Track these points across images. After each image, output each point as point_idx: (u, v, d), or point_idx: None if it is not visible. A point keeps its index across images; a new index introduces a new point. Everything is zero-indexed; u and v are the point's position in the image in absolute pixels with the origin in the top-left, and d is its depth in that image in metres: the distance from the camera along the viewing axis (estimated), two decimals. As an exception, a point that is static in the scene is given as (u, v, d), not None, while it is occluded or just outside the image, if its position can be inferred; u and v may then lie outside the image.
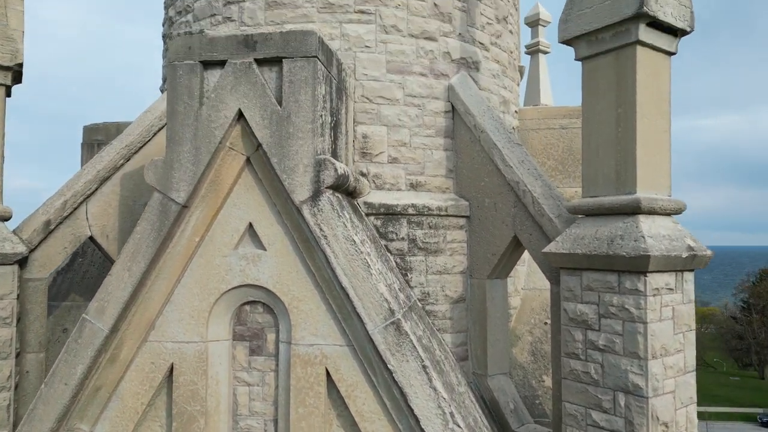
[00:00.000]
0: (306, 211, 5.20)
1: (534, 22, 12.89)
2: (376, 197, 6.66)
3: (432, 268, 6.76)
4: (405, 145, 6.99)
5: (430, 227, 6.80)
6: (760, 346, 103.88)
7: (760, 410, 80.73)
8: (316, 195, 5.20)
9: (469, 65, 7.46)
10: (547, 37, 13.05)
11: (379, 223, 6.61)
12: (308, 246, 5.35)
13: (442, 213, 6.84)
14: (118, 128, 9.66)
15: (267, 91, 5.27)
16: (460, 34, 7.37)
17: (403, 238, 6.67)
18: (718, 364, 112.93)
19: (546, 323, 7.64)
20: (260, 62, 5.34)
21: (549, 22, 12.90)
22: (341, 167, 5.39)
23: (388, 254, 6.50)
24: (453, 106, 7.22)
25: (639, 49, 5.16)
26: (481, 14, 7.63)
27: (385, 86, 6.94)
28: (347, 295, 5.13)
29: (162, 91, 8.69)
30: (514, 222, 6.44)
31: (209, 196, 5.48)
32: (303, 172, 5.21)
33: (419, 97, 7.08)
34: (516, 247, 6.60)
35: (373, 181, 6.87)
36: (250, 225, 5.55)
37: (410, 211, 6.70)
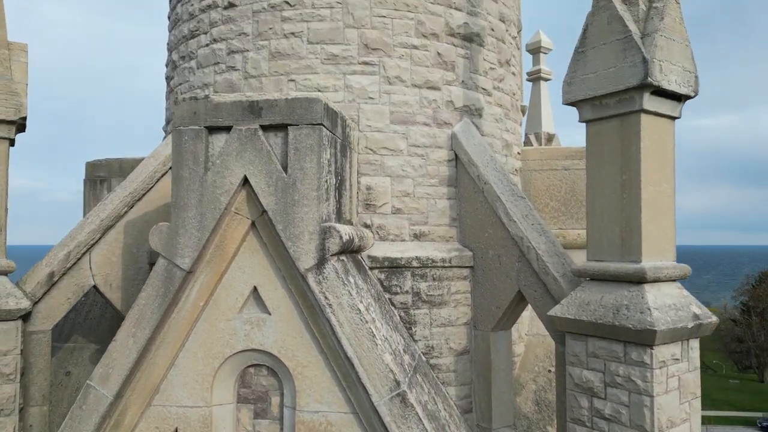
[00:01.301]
0: (311, 279, 5.20)
1: (535, 49, 12.90)
2: (380, 250, 6.66)
3: (436, 321, 6.76)
4: (409, 196, 6.99)
5: (434, 279, 6.79)
6: (760, 349, 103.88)
7: (759, 414, 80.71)
8: (321, 263, 5.20)
9: (472, 112, 7.45)
10: (549, 64, 13.05)
11: (383, 276, 6.61)
12: (313, 312, 5.35)
13: (446, 264, 6.83)
14: (120, 165, 9.66)
15: (272, 158, 5.27)
16: (463, 81, 7.37)
17: (407, 291, 6.67)
18: (718, 366, 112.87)
19: (550, 371, 7.63)
20: (266, 128, 5.33)
21: (550, 50, 12.91)
22: (346, 233, 5.39)
23: (393, 309, 6.50)
24: (456, 155, 7.21)
25: (643, 116, 5.16)
26: (484, 60, 7.63)
27: (389, 137, 6.93)
28: (352, 364, 5.12)
29: (165, 132, 8.69)
30: (518, 276, 6.44)
31: (214, 260, 5.48)
32: (308, 240, 5.20)
33: (423, 147, 7.07)
34: (520, 301, 6.59)
35: (377, 232, 6.87)
36: (255, 289, 5.54)
37: (414, 263, 6.69)
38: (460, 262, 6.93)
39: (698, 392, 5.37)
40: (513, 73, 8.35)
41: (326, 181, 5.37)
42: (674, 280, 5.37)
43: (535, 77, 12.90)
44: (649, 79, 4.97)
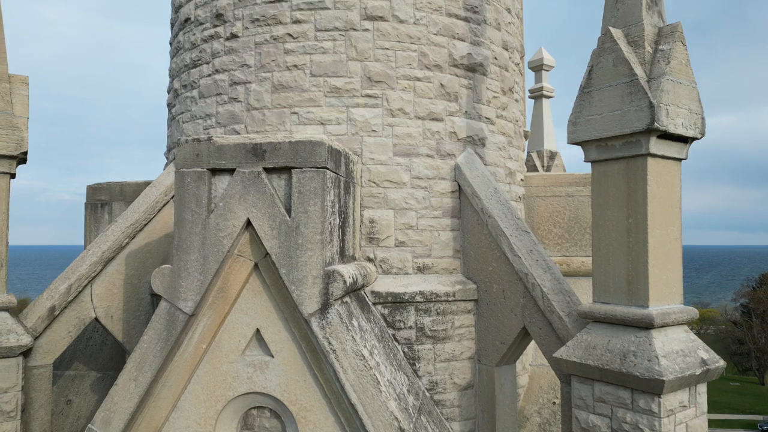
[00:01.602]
0: (314, 324, 5.15)
1: (538, 67, 12.87)
2: (384, 285, 6.61)
3: (440, 356, 6.72)
4: (412, 228, 6.95)
5: (438, 313, 6.75)
6: (761, 351, 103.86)
7: (760, 417, 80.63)
8: (324, 308, 5.15)
9: (475, 142, 7.41)
10: (551, 81, 13.01)
11: (386, 311, 6.56)
12: (316, 356, 5.30)
13: (450, 299, 6.79)
14: (121, 188, 9.61)
15: (276, 201, 5.22)
16: (466, 111, 7.32)
17: (410, 327, 6.62)
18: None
19: (554, 403, 7.59)
20: (269, 170, 5.29)
21: (552, 67, 12.87)
22: (350, 276, 5.35)
23: (397, 346, 6.45)
24: (460, 186, 7.17)
25: (650, 160, 5.11)
26: (487, 89, 7.59)
27: (392, 169, 6.89)
28: (356, 411, 5.07)
29: (166, 158, 8.65)
30: (523, 313, 6.39)
31: (217, 303, 5.43)
32: (312, 284, 5.16)
33: (426, 179, 7.03)
34: (525, 336, 6.55)
35: (380, 265, 6.82)
36: (258, 331, 5.50)
37: (418, 298, 6.65)
38: (464, 296, 6.88)
39: (705, 437, 5.32)
40: (516, 100, 8.31)
41: (330, 223, 5.33)
42: (682, 323, 5.33)
43: (537, 95, 12.86)
44: (655, 124, 4.92)
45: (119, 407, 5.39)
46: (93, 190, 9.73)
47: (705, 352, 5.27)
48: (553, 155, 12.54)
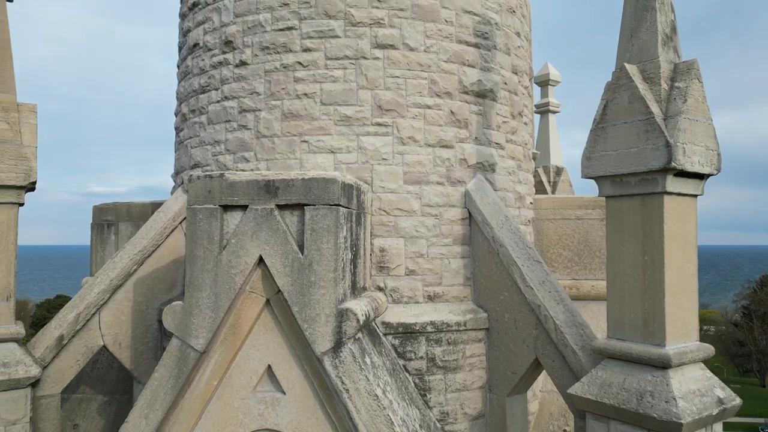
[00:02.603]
0: (327, 363, 5.11)
1: (544, 82, 12.83)
2: (394, 316, 6.57)
3: (451, 387, 6.67)
4: (422, 257, 6.91)
5: (449, 343, 6.71)
6: (761, 353, 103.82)
7: (761, 420, 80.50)
8: (337, 346, 5.11)
9: (485, 168, 7.37)
10: (557, 96, 12.96)
11: (397, 342, 6.52)
12: (329, 394, 5.26)
13: (461, 328, 6.75)
14: (128, 209, 9.58)
15: (288, 239, 5.18)
16: (476, 138, 7.29)
17: (421, 357, 6.58)
18: (719, 370, 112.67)
19: (565, 430, 7.54)
20: (282, 206, 5.25)
21: (559, 82, 12.84)
22: (363, 313, 5.31)
23: (408, 378, 6.41)
24: (470, 213, 7.13)
25: (666, 198, 5.07)
26: (497, 114, 7.55)
27: (402, 198, 6.85)
28: (370, 451, 5.03)
29: (174, 180, 8.61)
30: (535, 344, 6.35)
31: (228, 339, 5.39)
32: (324, 323, 5.12)
33: (436, 207, 6.99)
34: (537, 367, 6.50)
35: (391, 294, 6.78)
36: (269, 367, 5.45)
37: (429, 328, 6.61)
38: (475, 325, 6.84)
39: (722, 477, 5.28)
40: (525, 123, 8.27)
41: (343, 260, 5.29)
42: (699, 361, 5.29)
43: (544, 110, 12.82)
44: (672, 163, 4.88)
45: (130, 445, 5.34)
46: (99, 211, 9.69)
47: (721, 391, 5.23)
48: (559, 171, 12.50)
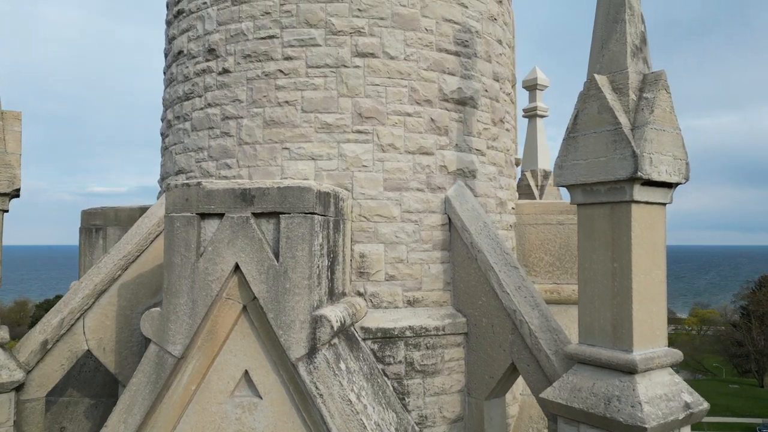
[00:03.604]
0: (302, 369, 5.21)
1: (532, 86, 12.92)
2: (374, 320, 6.66)
3: (429, 390, 6.77)
4: (402, 262, 7.00)
5: (428, 348, 6.80)
6: (760, 354, 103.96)
7: (759, 420, 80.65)
8: (312, 352, 5.21)
9: (466, 174, 7.47)
10: (545, 100, 13.07)
11: (376, 347, 6.62)
12: (304, 399, 5.36)
13: (439, 333, 6.84)
14: (116, 213, 9.66)
15: (264, 246, 5.28)
16: (456, 144, 7.38)
17: (400, 362, 6.68)
18: (718, 370, 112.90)
19: (544, 433, 7.64)
20: (258, 215, 5.35)
21: (546, 86, 12.93)
22: (337, 319, 5.40)
23: (386, 382, 6.50)
24: (450, 219, 7.23)
25: (634, 206, 5.17)
26: (478, 121, 7.65)
27: (383, 204, 6.95)
28: (344, 454, 5.13)
29: (160, 186, 8.70)
30: (511, 349, 6.45)
31: (206, 345, 5.49)
32: (299, 329, 5.22)
33: (416, 213, 7.09)
34: (513, 371, 6.60)
35: (370, 300, 6.88)
36: (246, 372, 5.54)
37: (408, 333, 6.70)
38: (454, 329, 6.94)
39: (689, 480, 5.37)
40: (507, 129, 8.37)
41: (318, 266, 5.39)
42: (666, 366, 5.38)
43: (532, 114, 12.92)
44: (639, 173, 4.98)
45: (109, 449, 5.44)
46: (88, 215, 9.78)
47: (689, 395, 5.33)
48: (547, 174, 12.59)
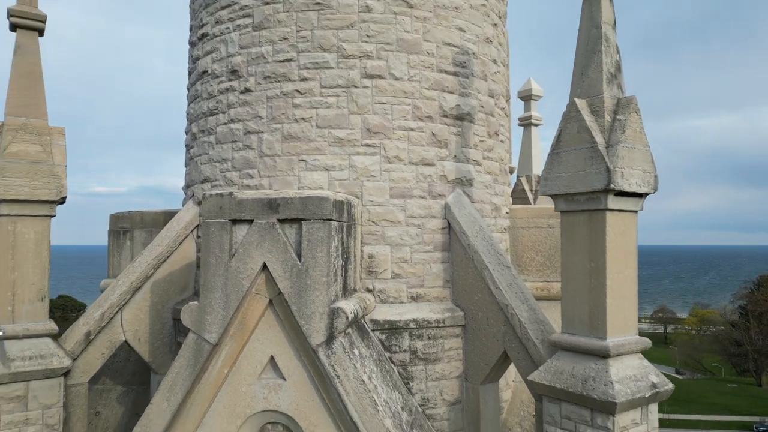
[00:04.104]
0: (321, 354, 6.03)
1: (527, 97, 13.73)
2: (381, 313, 7.48)
3: (431, 376, 7.59)
4: (406, 262, 7.82)
5: (430, 338, 7.62)
6: (758, 353, 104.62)
7: (756, 419, 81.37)
8: (330, 339, 6.03)
9: (464, 183, 8.29)
10: (539, 110, 13.88)
11: (383, 337, 7.44)
12: (323, 380, 6.18)
13: (440, 325, 7.66)
14: (141, 217, 10.47)
15: (288, 248, 6.10)
16: (455, 156, 8.20)
17: (405, 350, 7.50)
18: (717, 369, 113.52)
19: (534, 415, 8.44)
20: (282, 220, 6.17)
21: (541, 96, 13.73)
22: (352, 311, 6.23)
23: (393, 368, 7.32)
24: (449, 223, 8.04)
25: (608, 214, 5.99)
26: (474, 134, 8.46)
27: (389, 210, 7.77)
28: (357, 428, 5.95)
29: (184, 193, 9.52)
30: (504, 339, 7.27)
31: (237, 334, 6.31)
32: (319, 319, 6.04)
33: (419, 218, 7.91)
34: (505, 359, 7.42)
35: (378, 295, 7.70)
36: (272, 357, 6.37)
37: (411, 325, 7.52)
38: (453, 322, 7.76)
39: (656, 450, 6.19)
40: (501, 141, 9.19)
41: (334, 266, 6.21)
42: (636, 352, 6.20)
43: (527, 123, 13.73)
44: (612, 185, 5.80)
45: (153, 424, 6.27)
46: (116, 219, 10.59)
47: (656, 377, 6.15)
48: (540, 180, 13.38)
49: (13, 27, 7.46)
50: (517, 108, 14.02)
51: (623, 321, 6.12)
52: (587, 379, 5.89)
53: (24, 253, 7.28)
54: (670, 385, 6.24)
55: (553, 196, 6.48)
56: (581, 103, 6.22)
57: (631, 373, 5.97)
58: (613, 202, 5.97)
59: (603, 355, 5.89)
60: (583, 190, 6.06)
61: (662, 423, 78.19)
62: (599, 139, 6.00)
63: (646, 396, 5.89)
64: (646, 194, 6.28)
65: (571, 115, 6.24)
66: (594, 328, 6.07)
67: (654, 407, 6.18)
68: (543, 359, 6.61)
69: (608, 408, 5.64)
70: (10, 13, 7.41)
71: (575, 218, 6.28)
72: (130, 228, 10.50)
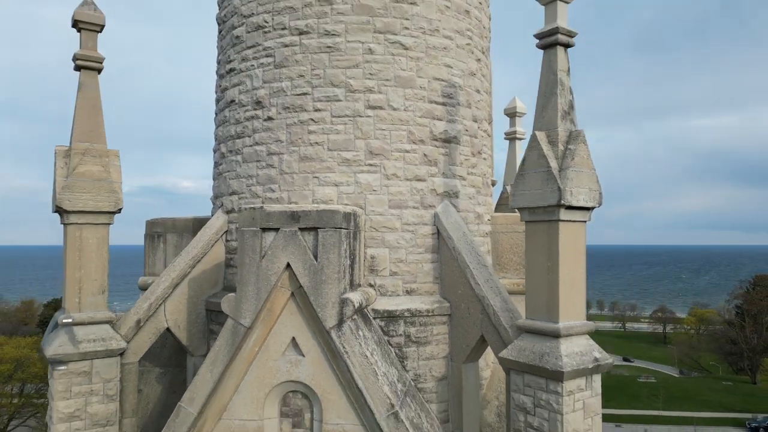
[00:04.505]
0: (333, 334, 7.62)
1: (512, 114, 15.32)
2: (381, 304, 9.07)
3: (422, 356, 9.18)
4: (402, 262, 9.40)
5: (421, 325, 9.21)
6: (752, 351, 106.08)
7: (749, 415, 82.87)
8: (340, 323, 7.62)
9: (451, 195, 9.87)
10: (524, 125, 15.46)
11: (383, 324, 9.02)
12: (335, 356, 7.77)
13: (430, 314, 9.25)
14: (173, 223, 12.05)
15: (307, 251, 7.70)
16: (443, 173, 9.79)
17: (400, 335, 9.08)
18: (714, 368, 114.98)
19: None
20: (302, 229, 7.75)
21: (524, 113, 15.31)
22: (357, 301, 7.82)
23: (390, 349, 8.91)
24: (438, 230, 9.62)
25: (561, 224, 7.57)
26: (460, 154, 10.05)
27: (387, 219, 9.35)
28: (361, 392, 7.54)
29: (213, 203, 11.10)
30: (481, 325, 8.85)
31: (266, 319, 7.90)
32: (331, 307, 7.63)
33: (413, 225, 9.49)
34: (482, 342, 9.00)
35: (378, 289, 9.28)
36: (293, 338, 7.96)
37: (406, 314, 9.11)
38: (440, 312, 9.34)
39: (599, 411, 7.78)
40: (484, 158, 10.77)
41: (344, 265, 7.80)
42: (583, 334, 7.78)
43: (512, 137, 15.31)
44: (562, 201, 7.38)
45: (199, 390, 7.86)
46: (151, 224, 12.19)
47: (598, 353, 7.73)
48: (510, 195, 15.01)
49: (78, 68, 9.05)
50: (504, 124, 15.62)
51: (573, 309, 7.70)
52: (543, 354, 7.48)
53: (88, 255, 8.87)
54: (610, 360, 7.82)
55: (520, 209, 8.06)
56: (540, 135, 7.80)
57: (578, 349, 7.55)
58: (564, 214, 7.55)
59: (555, 335, 7.48)
60: (541, 205, 7.65)
61: (656, 419, 79.67)
62: (553, 164, 7.58)
63: (589, 367, 7.48)
64: (593, 207, 7.86)
65: (532, 144, 7.82)
66: (550, 314, 7.65)
67: (597, 377, 7.76)
68: (511, 340, 8.18)
69: (557, 376, 7.22)
70: (76, 57, 9.00)
71: (536, 227, 7.87)
72: (163, 232, 12.10)
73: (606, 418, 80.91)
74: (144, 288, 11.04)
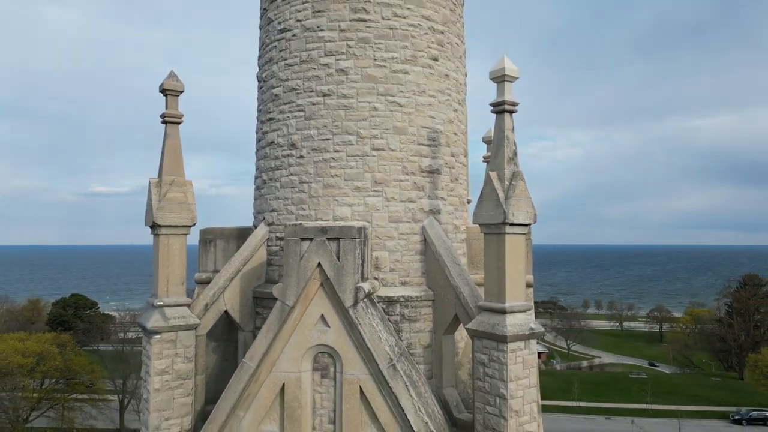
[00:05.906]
0: (350, 311, 11.10)
1: (489, 141, 18.75)
2: (383, 292, 12.53)
3: (413, 330, 12.65)
4: (398, 262, 12.87)
5: (413, 307, 12.67)
6: (740, 348, 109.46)
7: (734, 409, 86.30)
8: (355, 303, 11.10)
9: (435, 212, 13.35)
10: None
11: (384, 306, 12.48)
12: (352, 326, 11.24)
13: (419, 299, 12.72)
14: (221, 231, 15.47)
15: (332, 254, 11.17)
16: (429, 196, 13.26)
17: (397, 314, 12.55)
18: (707, 365, 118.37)
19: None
20: (329, 239, 11.22)
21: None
22: (367, 288, 11.30)
23: (390, 324, 12.38)
24: (425, 238, 13.09)
25: (507, 236, 11.03)
26: (442, 181, 13.53)
27: (387, 230, 12.83)
28: (370, 351, 11.01)
29: (255, 217, 14.59)
30: (455, 306, 12.32)
31: (303, 301, 11.38)
32: (349, 293, 11.10)
33: (406, 234, 12.96)
34: (456, 320, 12.46)
35: (381, 281, 12.74)
36: (322, 315, 11.44)
37: (401, 299, 12.57)
38: (427, 298, 12.81)
39: (535, 364, 11.26)
40: (460, 183, 14.25)
41: (357, 263, 11.26)
42: (523, 311, 11.25)
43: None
44: (507, 220, 10.85)
45: (257, 350, 11.35)
46: (203, 232, 15.63)
47: (534, 325, 11.20)
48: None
49: (165, 122, 12.52)
50: (482, 147, 19.01)
51: (515, 294, 11.17)
52: (494, 325, 10.96)
53: (173, 256, 12.35)
54: (541, 329, 11.30)
55: (480, 224, 11.54)
56: (493, 174, 11.27)
57: (518, 322, 11.03)
58: (509, 228, 11.03)
59: (503, 312, 10.94)
60: (493, 222, 11.12)
61: (644, 413, 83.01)
62: (501, 195, 11.06)
63: (526, 334, 10.96)
64: (529, 224, 11.34)
65: (487, 180, 11.30)
66: (500, 298, 11.13)
67: (533, 341, 11.24)
68: (475, 316, 11.65)
69: (503, 339, 10.69)
70: (164, 115, 12.46)
71: (490, 237, 11.34)
72: (213, 238, 15.56)
73: (597, 411, 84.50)
74: (199, 281, 14.49)
